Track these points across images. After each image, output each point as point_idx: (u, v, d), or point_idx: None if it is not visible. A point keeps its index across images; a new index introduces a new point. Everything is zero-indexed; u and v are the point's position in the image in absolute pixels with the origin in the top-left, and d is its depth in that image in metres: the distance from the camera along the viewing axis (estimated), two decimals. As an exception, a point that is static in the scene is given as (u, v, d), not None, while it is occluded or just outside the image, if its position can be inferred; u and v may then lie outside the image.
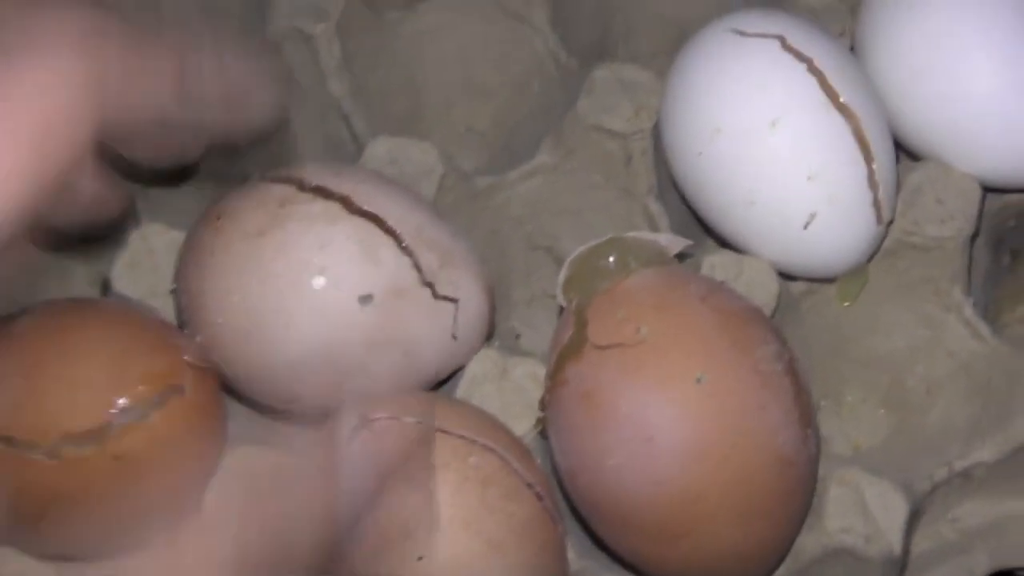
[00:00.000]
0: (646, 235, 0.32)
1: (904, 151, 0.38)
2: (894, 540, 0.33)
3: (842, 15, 0.39)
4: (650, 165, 0.37)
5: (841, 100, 0.34)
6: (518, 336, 0.38)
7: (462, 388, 0.33)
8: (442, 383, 0.33)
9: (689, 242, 0.33)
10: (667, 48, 0.38)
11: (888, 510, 0.33)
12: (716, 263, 0.35)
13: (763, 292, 0.35)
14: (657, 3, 0.41)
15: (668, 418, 0.30)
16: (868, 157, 0.34)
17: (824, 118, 0.34)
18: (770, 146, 0.34)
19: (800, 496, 0.32)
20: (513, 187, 0.38)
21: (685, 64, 0.35)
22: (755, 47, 0.35)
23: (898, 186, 0.36)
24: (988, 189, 0.37)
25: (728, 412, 0.30)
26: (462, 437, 0.29)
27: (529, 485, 0.30)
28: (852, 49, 0.38)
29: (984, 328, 0.37)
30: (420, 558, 0.28)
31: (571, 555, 0.32)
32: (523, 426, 0.33)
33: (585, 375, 0.30)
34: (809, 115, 0.34)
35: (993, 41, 0.36)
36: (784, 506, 0.31)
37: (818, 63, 0.34)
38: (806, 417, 0.31)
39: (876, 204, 0.35)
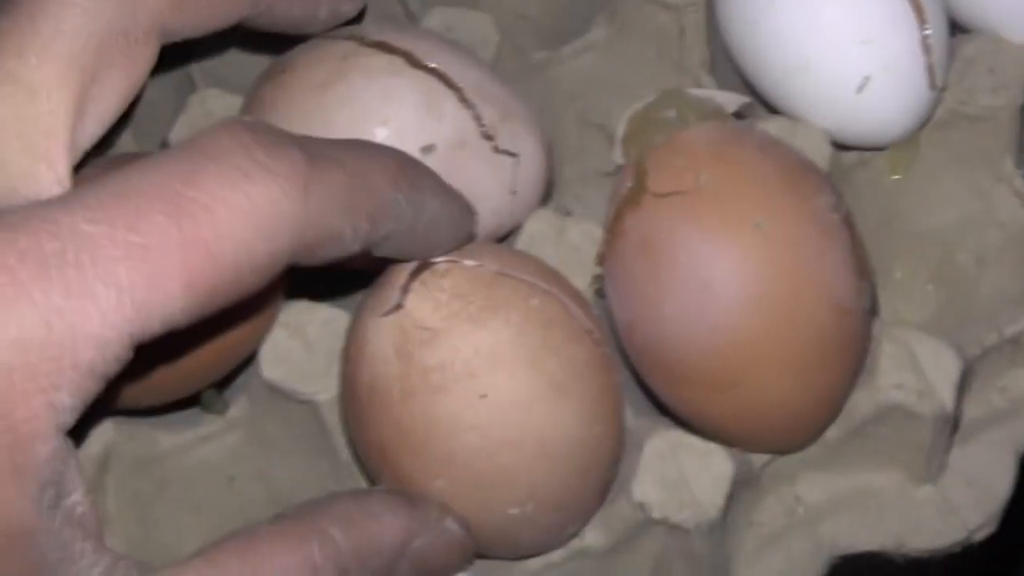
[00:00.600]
0: (704, 92, 0.33)
1: (956, 25, 0.38)
2: (946, 397, 0.33)
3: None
4: (703, 38, 0.37)
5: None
6: (569, 213, 0.38)
7: (519, 245, 0.33)
8: (499, 240, 0.34)
9: (746, 99, 0.33)
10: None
11: (940, 367, 0.33)
12: (770, 128, 0.35)
13: (816, 159, 0.35)
14: None
15: (726, 263, 0.30)
16: (922, 21, 0.34)
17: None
18: (824, 11, 0.34)
19: (855, 348, 0.32)
20: (566, 62, 0.38)
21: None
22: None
23: (951, 57, 0.36)
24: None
25: (786, 258, 0.30)
26: (523, 280, 0.30)
27: (588, 331, 0.30)
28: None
29: (1035, 199, 0.37)
30: (483, 396, 0.28)
31: (627, 411, 0.33)
32: (579, 285, 0.33)
33: (644, 224, 0.31)
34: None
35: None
36: (839, 357, 0.32)
37: (872, -71, 0.34)
38: (862, 269, 0.32)
39: (930, 69, 0.35)
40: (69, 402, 0.23)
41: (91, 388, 0.23)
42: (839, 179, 0.36)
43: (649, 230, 0.31)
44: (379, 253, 0.27)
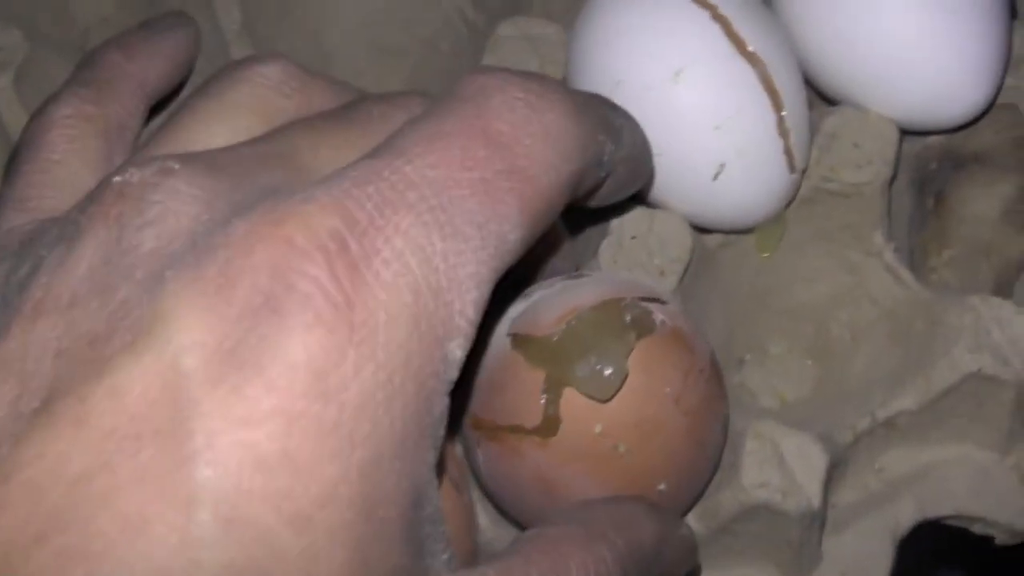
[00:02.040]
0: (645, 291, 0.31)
1: (820, 96, 0.37)
2: (813, 493, 0.32)
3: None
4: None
5: (748, 48, 0.33)
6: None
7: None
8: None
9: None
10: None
11: (806, 463, 0.32)
12: (626, 220, 0.34)
13: (676, 246, 0.34)
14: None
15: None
16: (777, 105, 0.33)
17: (730, 67, 0.33)
18: (674, 97, 0.33)
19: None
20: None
21: (588, 15, 0.34)
22: (658, -5, 0.33)
23: (813, 132, 0.35)
24: (906, 132, 0.36)
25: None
26: None
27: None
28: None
29: (906, 274, 0.36)
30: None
31: (482, 521, 0.31)
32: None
33: (544, 462, 0.29)
34: (714, 64, 0.33)
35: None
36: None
37: (723, 9, 0.33)
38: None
39: (787, 152, 0.33)
40: (459, 355, 0.22)
41: (471, 336, 0.22)
42: (704, 261, 0.35)
43: (549, 471, 0.29)
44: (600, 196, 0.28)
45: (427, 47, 0.39)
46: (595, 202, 0.28)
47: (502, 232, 0.22)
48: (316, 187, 0.21)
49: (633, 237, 0.34)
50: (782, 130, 0.33)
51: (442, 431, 0.22)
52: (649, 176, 0.31)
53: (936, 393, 0.34)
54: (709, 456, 0.31)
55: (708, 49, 0.33)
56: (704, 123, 0.33)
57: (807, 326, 0.37)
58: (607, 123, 0.27)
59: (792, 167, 0.34)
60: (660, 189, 0.34)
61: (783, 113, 0.33)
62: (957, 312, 0.34)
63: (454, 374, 0.22)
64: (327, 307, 0.20)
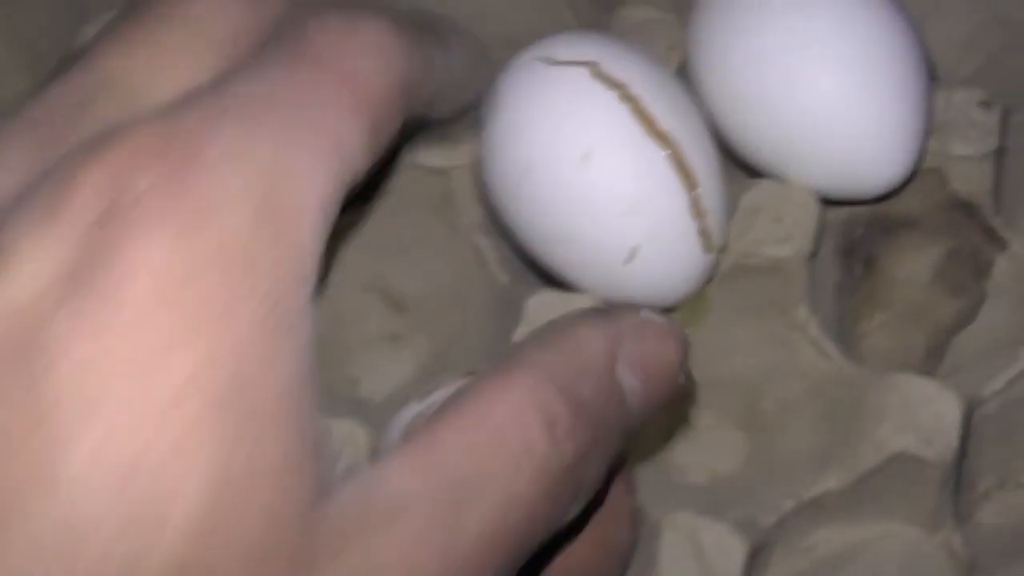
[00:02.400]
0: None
1: (741, 168, 0.36)
2: (732, 585, 0.31)
3: (671, 27, 0.37)
4: (474, 200, 0.35)
5: (658, 127, 0.32)
6: (356, 382, 0.36)
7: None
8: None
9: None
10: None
11: (725, 555, 0.31)
12: (541, 302, 0.33)
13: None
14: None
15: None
16: (691, 185, 0.32)
17: (640, 148, 0.32)
18: (583, 181, 0.32)
19: None
20: (339, 232, 0.36)
21: (498, 96, 0.33)
22: (565, 76, 0.32)
23: (732, 207, 0.34)
24: (828, 202, 0.35)
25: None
26: None
27: None
28: (683, 64, 0.36)
29: (832, 348, 0.35)
30: None
31: None
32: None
33: None
34: (623, 146, 0.32)
35: (825, 50, 0.33)
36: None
37: (633, 89, 0.32)
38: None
39: (703, 233, 0.32)
40: (310, 248, 0.21)
41: (320, 235, 0.21)
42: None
43: None
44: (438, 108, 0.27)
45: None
46: (438, 112, 0.27)
47: (339, 133, 0.22)
48: (140, 115, 0.21)
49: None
50: (697, 211, 0.32)
51: (307, 330, 0.21)
52: (487, 81, 0.31)
53: (861, 473, 0.33)
54: (615, 562, 0.30)
55: (617, 130, 0.32)
56: (614, 207, 0.32)
57: (736, 399, 0.36)
58: (431, 31, 0.26)
59: (708, 247, 0.33)
60: (572, 272, 0.33)
61: (697, 192, 0.32)
62: (882, 390, 0.33)
63: (312, 265, 0.21)
64: (161, 210, 0.19)
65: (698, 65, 0.35)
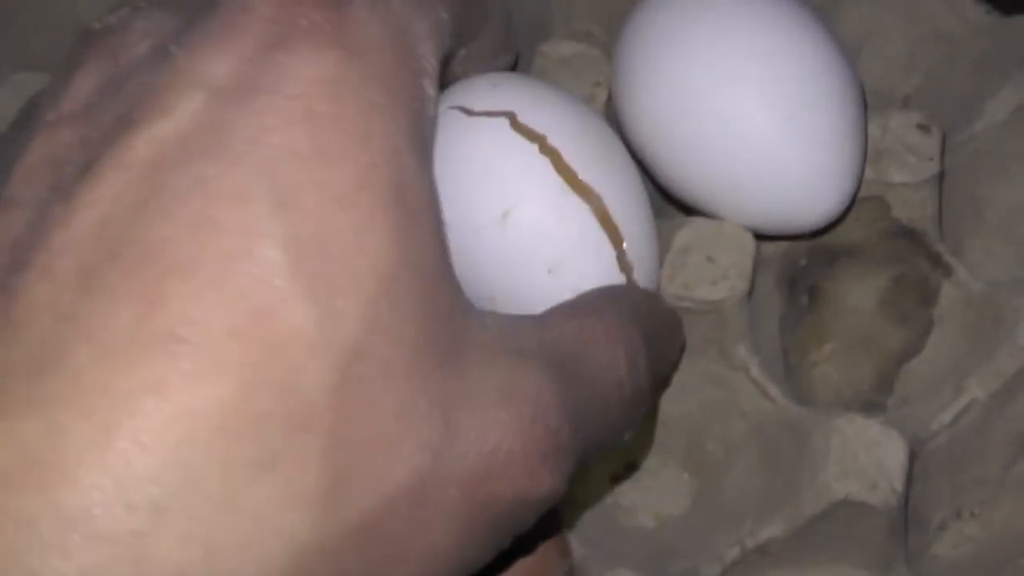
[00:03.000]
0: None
1: (674, 203, 0.35)
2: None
3: (597, 62, 0.35)
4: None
5: (580, 178, 0.31)
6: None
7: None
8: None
9: None
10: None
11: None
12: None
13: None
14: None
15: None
16: (616, 239, 0.31)
17: (561, 202, 0.30)
18: (503, 240, 0.30)
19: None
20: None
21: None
22: (482, 128, 0.31)
23: (664, 248, 0.33)
24: (762, 238, 0.34)
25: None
26: None
27: None
28: (609, 99, 0.35)
29: (773, 389, 0.34)
30: None
31: None
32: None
33: None
34: (543, 202, 0.30)
35: (753, 84, 0.32)
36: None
37: (552, 139, 0.31)
38: None
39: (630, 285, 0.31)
40: (431, 92, 0.24)
41: (436, 80, 0.25)
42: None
43: None
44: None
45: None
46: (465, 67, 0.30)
47: (439, 16, 0.25)
48: None
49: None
50: (623, 265, 0.31)
51: (432, 161, 0.24)
52: (513, 53, 0.32)
53: (805, 520, 0.32)
54: None
55: (537, 185, 0.30)
56: (537, 265, 0.30)
57: (680, 440, 0.35)
58: None
59: (637, 299, 0.31)
60: (500, 331, 0.32)
61: (624, 246, 0.31)
62: (824, 433, 0.32)
63: (432, 110, 0.24)
64: (326, 38, 0.22)
65: (623, 101, 0.34)
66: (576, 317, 0.26)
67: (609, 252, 0.31)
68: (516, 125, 0.31)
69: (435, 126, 0.24)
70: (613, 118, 0.35)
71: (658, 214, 0.34)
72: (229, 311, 0.19)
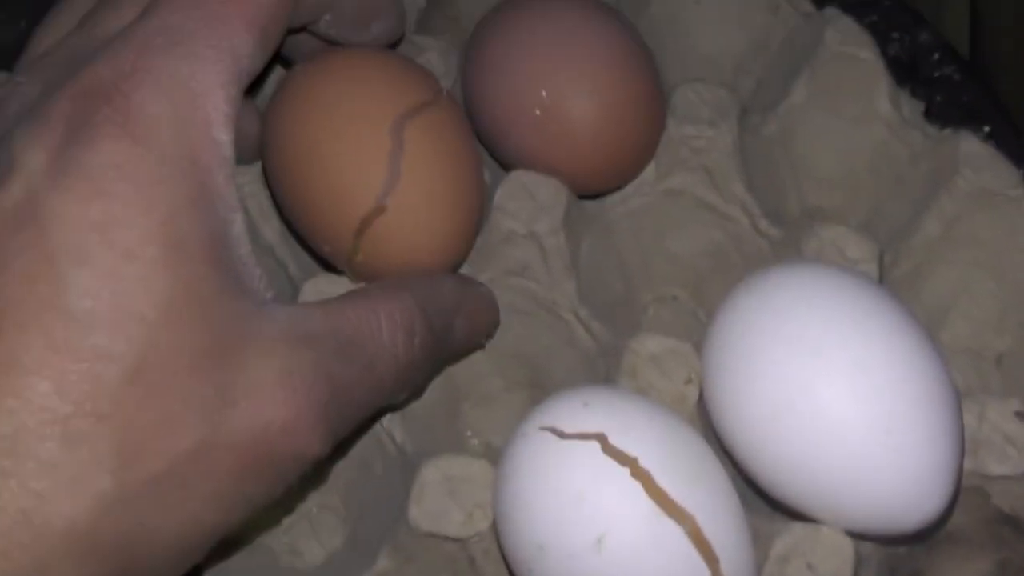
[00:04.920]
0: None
1: (764, 498, 0.34)
2: None
3: (687, 358, 0.34)
4: (497, 560, 0.33)
5: (673, 500, 0.30)
6: None
7: None
8: None
9: None
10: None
11: None
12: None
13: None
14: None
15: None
16: (711, 558, 0.30)
17: (654, 526, 0.30)
18: (596, 565, 0.30)
19: None
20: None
21: (509, 463, 0.31)
22: (573, 451, 0.30)
23: (762, 558, 0.32)
24: (861, 537, 0.33)
25: None
26: None
27: None
28: (700, 397, 0.34)
29: None
30: None
31: None
32: None
33: None
34: (636, 526, 0.30)
35: (848, 387, 0.31)
36: None
37: (644, 461, 0.30)
38: None
39: (729, 604, 0.30)
40: (225, 138, 0.29)
41: (232, 120, 0.29)
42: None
43: None
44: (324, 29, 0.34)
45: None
46: (335, 31, 0.34)
47: (234, 47, 0.29)
48: (96, 54, 0.29)
49: None
50: (722, 589, 0.30)
51: (232, 199, 0.29)
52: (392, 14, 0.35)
53: None
54: None
55: (629, 510, 0.30)
56: (633, 593, 0.30)
57: None
58: None
59: (737, 619, 0.30)
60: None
61: (720, 566, 0.30)
62: None
63: (227, 151, 0.29)
64: (115, 130, 0.27)
65: (715, 400, 0.33)
66: (362, 302, 0.31)
67: (704, 573, 0.30)
68: (607, 448, 0.30)
69: (232, 156, 0.29)
70: (704, 414, 0.34)
71: (745, 504, 0.33)
72: (46, 337, 0.26)
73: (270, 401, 0.27)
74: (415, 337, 0.31)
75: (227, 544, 0.35)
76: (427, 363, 0.32)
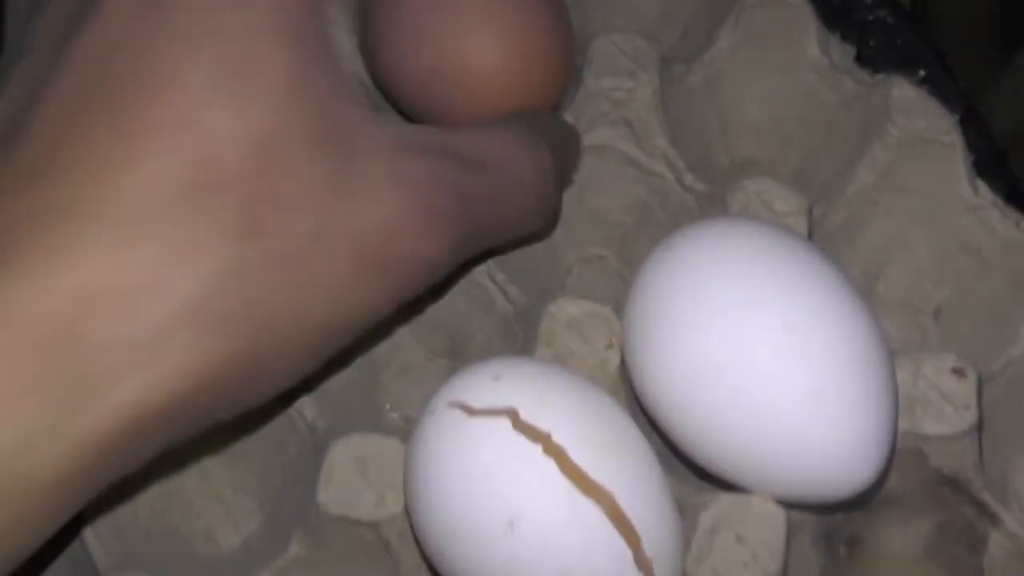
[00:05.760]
0: None
1: (689, 467, 0.32)
2: None
3: (607, 322, 0.32)
4: (411, 547, 0.31)
5: (588, 476, 0.28)
6: None
7: None
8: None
9: None
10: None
11: None
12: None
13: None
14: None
15: None
16: (632, 537, 0.28)
17: (569, 506, 0.28)
18: (509, 549, 0.28)
19: None
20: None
21: (417, 442, 0.29)
22: (482, 428, 0.28)
23: (689, 531, 0.30)
24: (793, 506, 0.31)
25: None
26: None
27: None
28: (622, 362, 0.32)
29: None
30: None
31: None
32: None
33: None
34: (550, 507, 0.28)
35: (778, 351, 0.29)
36: None
37: (557, 436, 0.28)
38: None
39: (650, 583, 0.28)
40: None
41: None
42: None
43: None
44: None
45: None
46: None
47: None
48: None
49: None
50: (641, 563, 0.28)
51: (342, 20, 0.29)
52: None
53: None
54: None
55: (542, 490, 0.28)
56: (548, 575, 0.28)
57: None
58: None
59: (660, 597, 0.29)
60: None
61: (642, 544, 0.28)
62: None
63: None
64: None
65: (637, 366, 0.31)
66: (480, 126, 0.31)
67: (625, 552, 0.28)
68: (518, 424, 0.28)
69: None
70: (627, 380, 0.32)
71: (671, 473, 0.31)
72: (172, 110, 0.26)
73: (387, 197, 0.28)
74: (539, 160, 0.31)
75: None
76: (549, 186, 0.32)
